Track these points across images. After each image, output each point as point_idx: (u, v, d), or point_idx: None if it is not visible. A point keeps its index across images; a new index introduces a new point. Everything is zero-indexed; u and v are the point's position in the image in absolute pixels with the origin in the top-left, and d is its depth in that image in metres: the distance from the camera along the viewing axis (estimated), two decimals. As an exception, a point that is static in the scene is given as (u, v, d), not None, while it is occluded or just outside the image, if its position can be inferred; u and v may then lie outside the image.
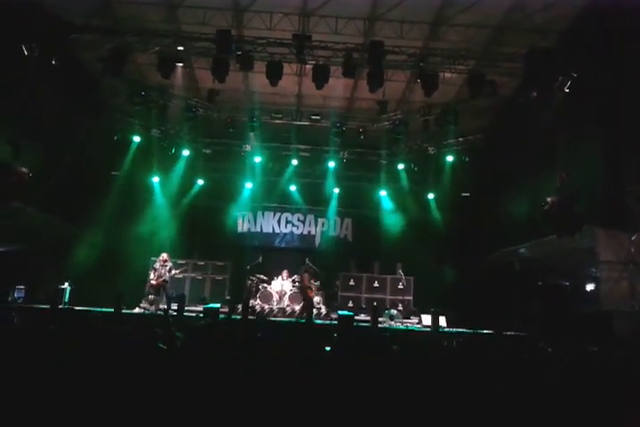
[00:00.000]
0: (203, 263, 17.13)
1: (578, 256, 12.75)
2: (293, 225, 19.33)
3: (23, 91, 11.92)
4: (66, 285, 13.46)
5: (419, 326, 13.93)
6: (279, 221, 19.34)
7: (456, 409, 3.86)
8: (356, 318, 13.80)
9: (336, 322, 12.94)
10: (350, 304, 16.56)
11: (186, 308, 12.88)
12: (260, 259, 16.07)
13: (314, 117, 16.23)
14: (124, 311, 12.18)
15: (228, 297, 16.20)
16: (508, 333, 11.77)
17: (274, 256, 17.69)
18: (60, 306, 12.61)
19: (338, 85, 14.62)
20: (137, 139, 16.64)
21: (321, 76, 12.58)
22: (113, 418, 3.53)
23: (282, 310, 15.10)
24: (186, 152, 17.59)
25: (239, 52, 12.39)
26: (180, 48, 12.81)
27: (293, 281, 15.76)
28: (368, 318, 13.76)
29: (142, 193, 17.60)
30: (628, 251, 11.73)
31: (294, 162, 18.15)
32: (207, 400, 3.74)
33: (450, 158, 17.03)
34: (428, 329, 12.89)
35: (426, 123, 15.52)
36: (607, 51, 11.22)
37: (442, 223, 18.00)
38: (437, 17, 12.56)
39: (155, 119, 16.26)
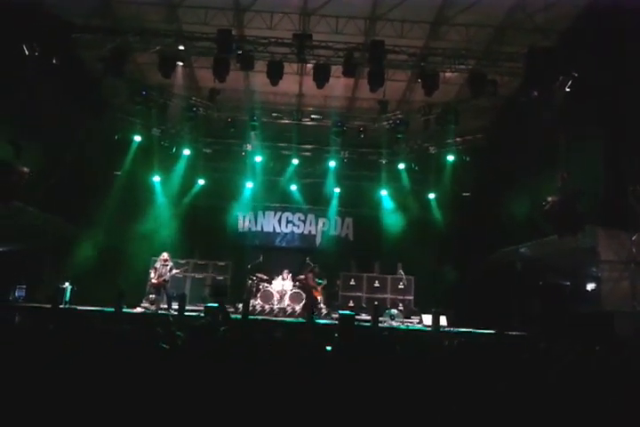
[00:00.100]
0: (203, 263, 17.13)
1: (579, 256, 12.74)
2: (294, 225, 19.32)
3: (24, 90, 11.93)
4: (67, 284, 13.46)
5: (419, 325, 13.95)
6: (280, 221, 19.33)
7: (456, 409, 3.85)
8: (357, 317, 13.80)
9: (337, 322, 12.95)
10: (351, 304, 16.55)
11: (187, 307, 12.89)
12: (261, 258, 16.07)
13: (314, 117, 16.25)
14: (124, 311, 12.19)
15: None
16: (509, 332, 11.75)
17: (274, 256, 17.68)
18: (61, 305, 12.62)
19: (338, 85, 14.62)
20: (138, 138, 16.63)
21: (321, 76, 12.58)
22: (113, 418, 3.53)
23: (282, 310, 15.09)
24: (186, 152, 17.58)
25: (240, 52, 12.39)
26: (181, 48, 12.81)
27: (295, 280, 15.76)
28: (369, 317, 13.76)
29: (143, 192, 17.58)
30: (629, 251, 11.73)
31: (295, 161, 18.14)
32: (207, 400, 3.74)
33: (450, 158, 17.01)
34: (429, 329, 12.90)
35: (426, 122, 15.51)
36: (607, 50, 11.22)
37: (442, 223, 17.98)
38: (438, 16, 12.56)
39: (155, 119, 16.26)
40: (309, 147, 18.00)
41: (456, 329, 12.75)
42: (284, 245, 19.19)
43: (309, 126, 16.69)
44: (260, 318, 13.80)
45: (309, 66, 13.17)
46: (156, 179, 17.80)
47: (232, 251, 18.05)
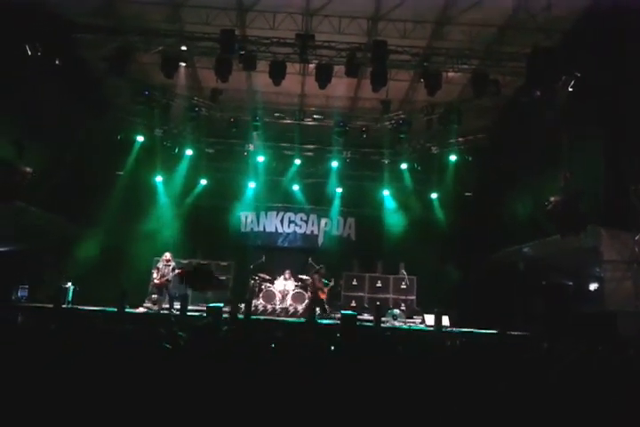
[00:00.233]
0: (206, 263, 17.12)
1: (581, 256, 12.72)
2: (296, 225, 19.32)
3: (26, 90, 11.96)
4: (69, 284, 13.48)
5: (422, 325, 13.92)
6: (282, 221, 19.33)
7: (459, 409, 3.85)
8: (359, 317, 13.82)
9: (339, 322, 12.94)
10: (353, 304, 16.56)
11: (189, 307, 12.90)
12: (263, 258, 16.07)
13: (317, 117, 16.26)
14: (127, 311, 12.21)
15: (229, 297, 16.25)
16: (512, 332, 11.74)
17: (277, 256, 17.69)
18: (64, 305, 12.63)
19: (341, 85, 14.63)
20: (140, 138, 16.66)
21: (324, 76, 12.57)
22: (115, 418, 3.54)
23: (284, 310, 15.09)
24: (189, 152, 17.60)
25: (242, 52, 12.40)
26: (184, 48, 12.81)
27: (298, 280, 15.76)
28: (371, 317, 13.75)
29: (145, 192, 17.59)
30: (631, 250, 11.70)
31: (297, 161, 18.15)
32: (209, 400, 3.74)
33: (453, 158, 17.01)
34: (432, 329, 12.89)
35: (429, 122, 15.50)
36: (608, 51, 11.20)
37: (445, 223, 17.98)
38: (441, 16, 12.54)
39: (158, 119, 16.28)
40: (312, 147, 18.00)
41: (459, 329, 12.74)
42: (286, 245, 19.20)
43: (312, 126, 16.70)
44: (262, 317, 13.80)
45: (312, 66, 13.19)
46: (159, 179, 17.83)
47: (234, 251, 18.06)
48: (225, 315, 11.92)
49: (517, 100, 14.10)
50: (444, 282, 16.67)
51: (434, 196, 18.37)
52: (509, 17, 12.33)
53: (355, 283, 17.06)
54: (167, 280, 13.72)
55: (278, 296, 15.40)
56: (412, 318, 14.98)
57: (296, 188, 18.93)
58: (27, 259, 14.01)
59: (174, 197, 18.04)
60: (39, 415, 3.50)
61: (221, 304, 13.72)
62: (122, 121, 16.20)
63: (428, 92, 12.83)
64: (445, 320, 13.23)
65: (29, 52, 11.38)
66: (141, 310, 13.75)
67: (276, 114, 16.27)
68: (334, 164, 18.11)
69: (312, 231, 19.29)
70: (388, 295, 16.75)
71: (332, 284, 15.45)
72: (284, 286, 15.58)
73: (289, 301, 15.34)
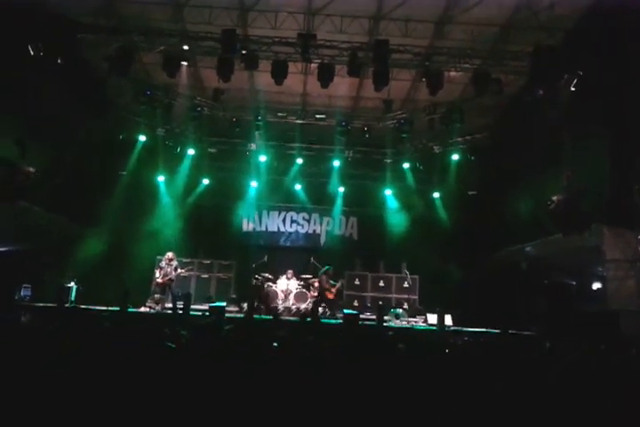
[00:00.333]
0: (208, 262, 17.17)
1: (584, 255, 12.71)
2: (298, 224, 19.33)
3: (29, 90, 11.96)
4: (72, 283, 13.51)
5: (424, 324, 13.92)
6: (284, 220, 19.34)
7: (461, 408, 3.85)
8: (362, 316, 13.82)
9: (341, 321, 12.95)
10: (355, 303, 16.57)
11: (192, 306, 12.91)
12: (266, 258, 16.09)
13: (319, 116, 16.23)
14: (129, 310, 12.23)
15: (233, 296, 16.27)
16: (514, 332, 11.74)
17: (279, 255, 17.69)
18: (67, 305, 12.66)
19: (343, 84, 14.63)
20: (142, 138, 16.67)
21: (326, 75, 12.56)
22: (117, 417, 3.54)
23: (287, 309, 15.10)
24: (191, 151, 17.60)
25: (244, 52, 12.39)
26: (186, 47, 12.81)
27: (300, 280, 15.76)
28: (373, 316, 13.76)
29: (148, 192, 17.61)
30: (634, 249, 11.68)
31: (299, 161, 18.16)
32: (211, 399, 3.75)
33: (455, 157, 17.00)
34: (434, 328, 12.89)
35: (431, 121, 15.49)
36: (612, 50, 11.17)
37: (447, 222, 17.98)
38: (443, 15, 12.52)
39: (160, 118, 16.30)
40: (314, 146, 17.98)
41: (461, 328, 12.73)
42: (288, 244, 19.21)
43: (314, 126, 16.68)
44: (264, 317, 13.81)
45: (314, 65, 13.17)
46: (161, 178, 17.85)
47: (237, 250, 18.09)
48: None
49: (520, 98, 14.07)
50: (446, 281, 16.67)
51: (436, 195, 18.37)
52: (511, 15, 12.31)
53: (357, 282, 17.08)
54: (170, 279, 13.73)
55: (281, 296, 15.41)
56: (414, 317, 14.98)
57: (298, 187, 18.93)
58: (29, 259, 14.02)
59: (176, 197, 18.06)
60: (43, 414, 3.51)
61: (224, 304, 13.78)
62: (124, 121, 16.22)
63: (430, 92, 12.81)
64: (448, 319, 13.24)
65: (32, 52, 11.37)
66: (144, 309, 13.76)
67: (278, 113, 16.25)
68: (336, 163, 18.11)
69: (314, 231, 19.30)
70: (390, 295, 16.76)
71: (339, 284, 15.42)
72: (286, 285, 15.59)
73: (292, 300, 15.35)
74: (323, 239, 19.22)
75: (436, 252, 16.96)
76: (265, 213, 19.32)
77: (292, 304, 15.26)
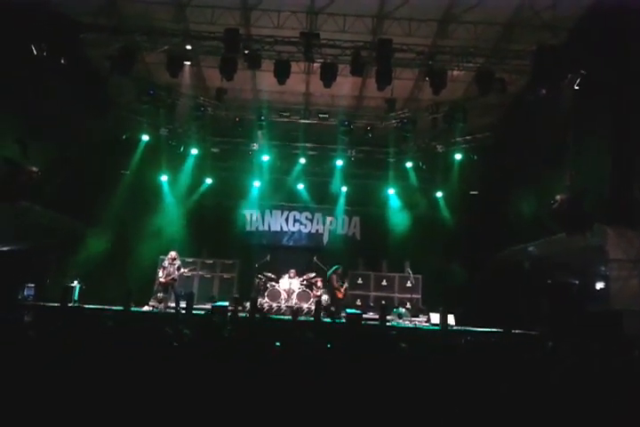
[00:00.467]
0: (211, 262, 17.20)
1: (587, 254, 12.67)
2: (301, 223, 19.32)
3: (32, 90, 11.97)
4: (75, 283, 13.53)
5: (427, 324, 13.91)
6: (287, 220, 19.33)
7: (464, 408, 3.85)
8: (365, 316, 13.83)
9: (344, 320, 12.96)
10: (358, 303, 16.57)
11: (194, 306, 12.92)
12: (268, 257, 16.10)
13: (322, 116, 16.23)
14: (132, 309, 12.24)
15: (236, 295, 16.27)
16: (517, 331, 11.72)
17: (282, 255, 17.72)
18: (70, 304, 12.67)
19: (346, 84, 14.62)
20: (145, 137, 16.69)
21: (329, 75, 12.55)
22: (118, 416, 3.55)
23: (290, 308, 15.10)
24: (194, 151, 17.61)
25: (247, 51, 12.39)
26: (189, 47, 12.83)
27: (302, 280, 15.77)
28: (376, 316, 13.75)
29: (151, 192, 17.63)
30: (637, 249, 11.65)
31: (302, 160, 18.16)
32: (212, 398, 3.75)
33: (458, 156, 16.96)
34: (437, 328, 12.88)
35: (434, 121, 15.48)
36: (613, 50, 11.14)
37: (450, 222, 17.96)
38: (446, 14, 12.50)
39: (163, 118, 16.29)
40: (316, 146, 18.00)
41: (464, 328, 12.72)
42: (291, 243, 19.20)
43: (316, 125, 16.68)
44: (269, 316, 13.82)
45: (316, 65, 13.15)
46: (164, 178, 17.87)
47: (239, 250, 18.11)
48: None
49: (523, 98, 14.04)
50: (449, 281, 16.65)
51: (439, 194, 18.35)
52: (514, 15, 12.28)
53: (360, 282, 17.09)
54: (173, 279, 13.75)
55: (283, 295, 15.43)
56: (417, 316, 14.96)
57: (301, 186, 18.93)
58: (32, 258, 14.05)
59: (179, 196, 18.08)
60: (46, 414, 3.52)
61: (226, 303, 13.80)
62: (127, 120, 16.24)
63: (433, 91, 12.80)
64: (451, 319, 13.23)
65: (35, 52, 11.38)
66: (147, 308, 13.78)
67: (281, 113, 16.26)
68: (339, 162, 18.10)
69: (317, 230, 19.29)
70: (393, 294, 16.76)
71: (346, 284, 15.42)
72: (289, 284, 15.60)
73: (294, 299, 15.35)
74: (325, 239, 19.21)
75: (438, 251, 16.96)
76: (268, 212, 19.31)
77: (295, 303, 15.27)
